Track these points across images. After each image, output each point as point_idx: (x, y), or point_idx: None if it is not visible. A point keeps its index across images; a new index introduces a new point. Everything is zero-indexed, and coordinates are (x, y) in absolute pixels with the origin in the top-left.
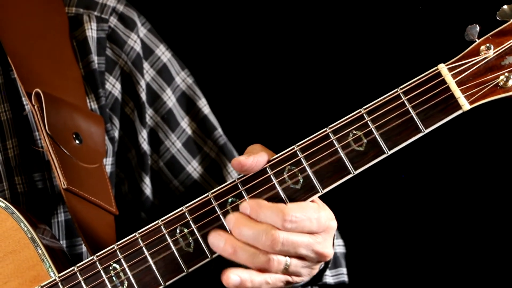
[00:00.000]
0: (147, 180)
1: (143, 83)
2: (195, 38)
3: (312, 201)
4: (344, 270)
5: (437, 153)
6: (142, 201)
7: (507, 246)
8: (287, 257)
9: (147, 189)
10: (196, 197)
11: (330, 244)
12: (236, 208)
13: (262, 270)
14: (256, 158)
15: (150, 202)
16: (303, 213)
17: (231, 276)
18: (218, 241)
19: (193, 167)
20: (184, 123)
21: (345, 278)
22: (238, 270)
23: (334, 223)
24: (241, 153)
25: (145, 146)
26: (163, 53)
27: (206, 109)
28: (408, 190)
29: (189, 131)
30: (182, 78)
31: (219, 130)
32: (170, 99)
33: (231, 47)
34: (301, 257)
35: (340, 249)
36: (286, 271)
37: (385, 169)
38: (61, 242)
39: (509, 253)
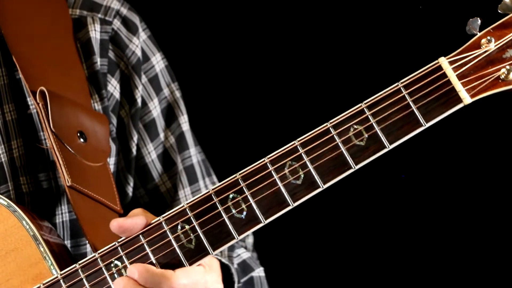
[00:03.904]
0: (132, 183)
1: (140, 88)
2: (192, 41)
3: (199, 264)
4: None
5: (438, 153)
6: (126, 204)
7: (507, 246)
8: None
9: (131, 193)
10: (159, 209)
11: None
12: (237, 204)
13: None
14: (134, 220)
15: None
16: (189, 279)
17: None
18: None
19: (162, 181)
20: (163, 135)
21: None
22: None
23: (220, 286)
24: (222, 171)
25: (134, 151)
26: (158, 62)
27: (185, 126)
28: (408, 190)
29: (166, 144)
30: (171, 91)
31: (190, 150)
32: (155, 109)
33: (231, 43)
34: None
35: None
36: None
37: (385, 169)
38: (66, 242)
39: (509, 253)
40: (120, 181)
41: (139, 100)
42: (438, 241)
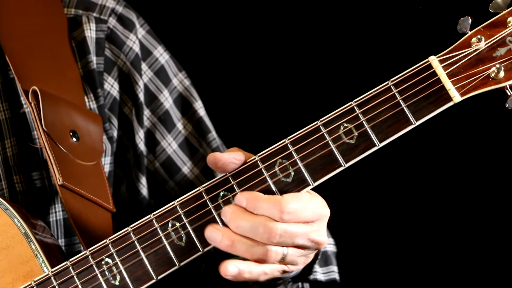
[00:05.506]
0: (143, 180)
1: (141, 84)
2: (192, 39)
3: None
4: (335, 268)
5: (437, 153)
6: (139, 200)
7: (507, 246)
8: (285, 247)
9: (144, 189)
10: None
11: (324, 231)
12: (227, 202)
13: (260, 261)
14: (232, 154)
15: (146, 202)
16: (298, 203)
17: (229, 266)
18: (215, 235)
19: (189, 168)
20: (180, 124)
21: (336, 276)
22: (237, 261)
23: (327, 211)
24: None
25: (142, 146)
26: (161, 55)
27: (201, 111)
28: (408, 190)
29: (185, 132)
30: (180, 80)
31: (213, 133)
32: (167, 100)
33: (225, 43)
34: (298, 246)
35: (331, 247)
36: (283, 261)
37: (385, 169)
38: (59, 240)
39: (509, 253)
40: (132, 179)
41: (140, 95)
42: (437, 241)
